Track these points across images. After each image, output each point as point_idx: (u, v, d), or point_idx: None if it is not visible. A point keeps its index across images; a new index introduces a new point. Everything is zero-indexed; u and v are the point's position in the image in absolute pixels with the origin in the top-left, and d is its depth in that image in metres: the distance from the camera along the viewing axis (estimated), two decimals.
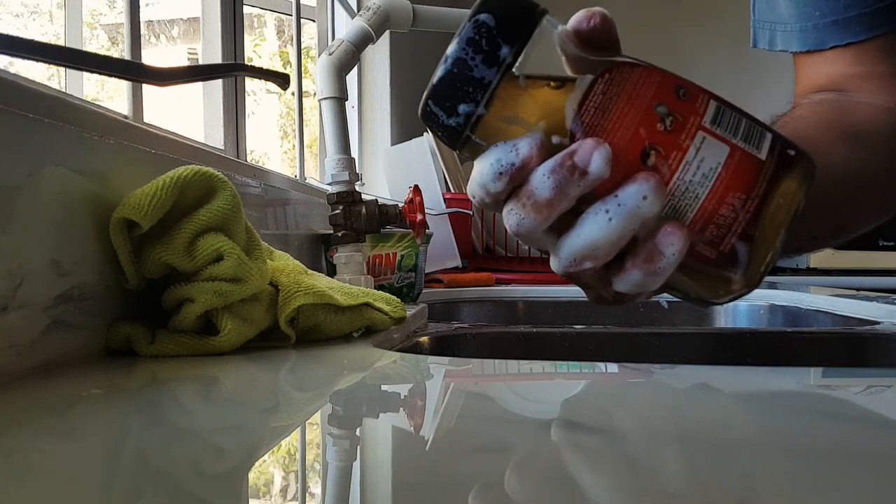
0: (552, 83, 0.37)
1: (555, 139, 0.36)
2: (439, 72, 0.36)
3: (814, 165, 0.38)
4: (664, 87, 0.36)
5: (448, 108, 0.36)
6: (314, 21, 1.77)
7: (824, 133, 0.57)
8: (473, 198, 0.39)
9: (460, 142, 0.37)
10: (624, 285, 0.38)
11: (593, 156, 0.35)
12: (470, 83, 0.35)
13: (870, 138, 0.57)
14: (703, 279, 0.38)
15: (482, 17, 0.35)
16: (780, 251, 0.38)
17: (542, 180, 0.36)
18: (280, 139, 1.99)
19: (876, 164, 0.57)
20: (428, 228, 0.99)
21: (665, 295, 0.42)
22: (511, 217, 0.37)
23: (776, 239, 0.37)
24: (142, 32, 0.87)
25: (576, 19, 0.38)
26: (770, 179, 0.36)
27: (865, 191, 0.56)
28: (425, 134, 1.60)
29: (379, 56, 2.02)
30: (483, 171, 0.37)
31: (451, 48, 0.36)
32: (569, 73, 0.37)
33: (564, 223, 0.37)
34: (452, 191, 1.62)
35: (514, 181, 0.37)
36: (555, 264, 0.39)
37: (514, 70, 0.36)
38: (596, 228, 0.36)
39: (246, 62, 1.27)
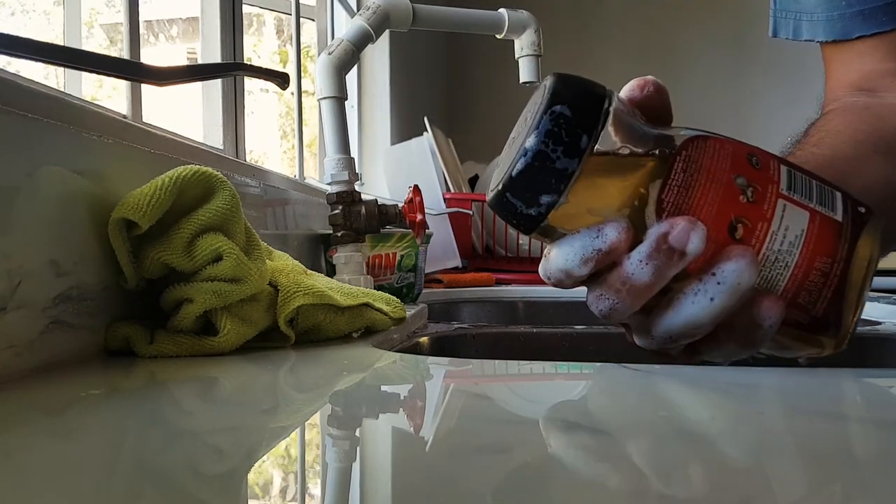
0: (628, 165, 0.36)
1: (645, 220, 0.36)
2: (518, 165, 0.35)
3: (882, 219, 0.38)
4: (738, 157, 0.36)
5: (528, 199, 0.36)
6: (314, 20, 1.77)
7: (859, 147, 0.58)
8: (549, 279, 0.38)
9: (538, 229, 0.37)
10: (716, 355, 0.38)
11: (690, 236, 0.34)
12: (552, 174, 0.35)
13: None
14: (793, 343, 0.38)
15: (558, 108, 0.35)
16: (863, 305, 0.38)
17: (638, 266, 0.35)
18: (279, 139, 1.99)
19: None
20: (428, 228, 0.99)
21: None
22: (602, 303, 0.37)
23: (861, 296, 0.37)
24: (141, 32, 0.86)
25: (629, 88, 0.38)
26: (850, 240, 0.37)
27: None
28: (425, 134, 1.59)
29: (379, 56, 2.02)
30: (567, 258, 0.37)
31: (530, 141, 0.35)
32: (628, 148, 0.36)
33: (653, 301, 0.37)
34: (452, 191, 1.62)
35: (601, 265, 0.36)
36: (644, 341, 0.38)
37: (591, 155, 0.35)
38: (698, 308, 0.36)
39: (245, 62, 1.26)
